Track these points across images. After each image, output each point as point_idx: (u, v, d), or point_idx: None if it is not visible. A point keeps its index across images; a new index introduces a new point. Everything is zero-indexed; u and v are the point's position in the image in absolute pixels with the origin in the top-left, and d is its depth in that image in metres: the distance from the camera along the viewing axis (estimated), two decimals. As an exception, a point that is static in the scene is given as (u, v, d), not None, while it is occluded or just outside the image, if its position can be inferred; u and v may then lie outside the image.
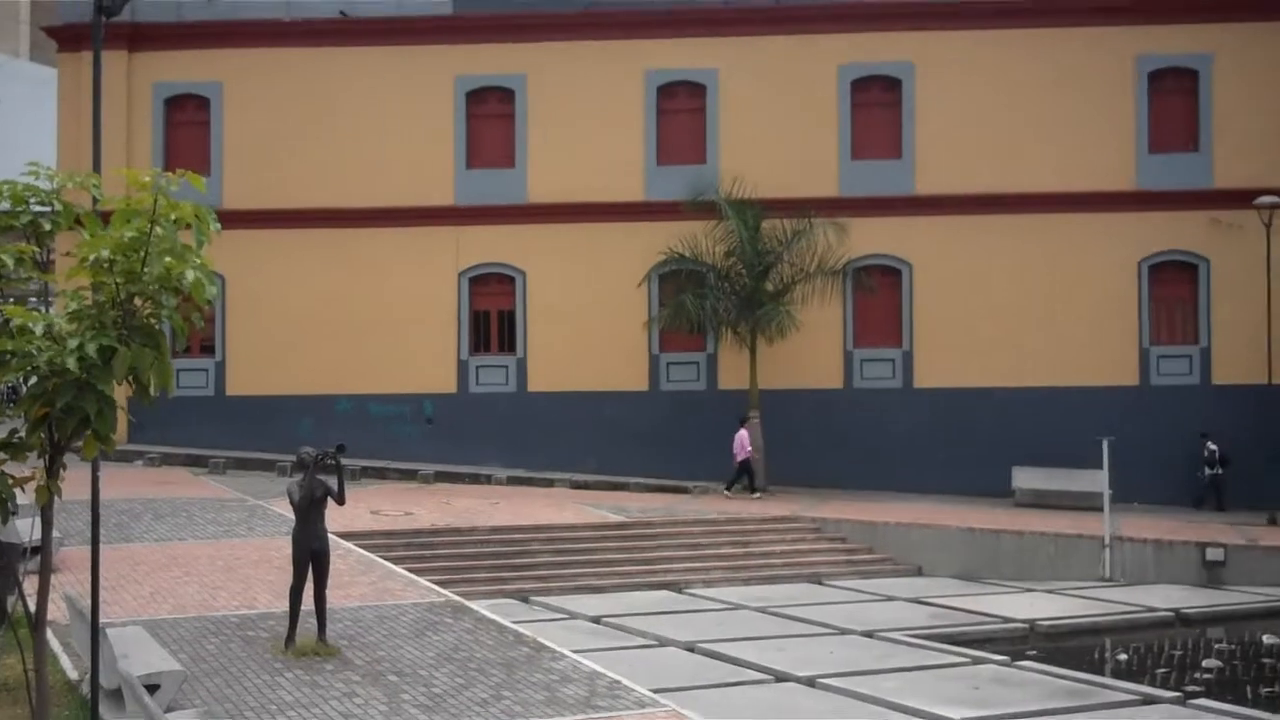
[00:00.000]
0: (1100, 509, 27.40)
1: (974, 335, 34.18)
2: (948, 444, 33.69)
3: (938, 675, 17.45)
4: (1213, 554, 26.15)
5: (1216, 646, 20.40)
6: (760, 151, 34.07)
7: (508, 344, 34.88)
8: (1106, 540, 26.59)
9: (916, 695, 16.03)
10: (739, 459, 31.81)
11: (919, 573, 26.86)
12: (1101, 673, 18.53)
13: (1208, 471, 32.67)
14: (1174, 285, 34.61)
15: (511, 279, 34.81)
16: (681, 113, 34.96)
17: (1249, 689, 17.35)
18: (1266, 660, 19.34)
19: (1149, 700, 16.10)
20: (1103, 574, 26.40)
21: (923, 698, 15.89)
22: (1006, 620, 21.96)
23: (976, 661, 18.39)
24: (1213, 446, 32.62)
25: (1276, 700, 16.83)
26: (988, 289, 34.26)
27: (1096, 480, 28.32)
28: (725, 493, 31.65)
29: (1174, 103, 34.52)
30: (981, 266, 34.27)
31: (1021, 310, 34.21)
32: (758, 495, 31.51)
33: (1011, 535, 27.29)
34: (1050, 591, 24.96)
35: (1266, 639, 20.62)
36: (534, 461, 33.78)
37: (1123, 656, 19.58)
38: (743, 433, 31.95)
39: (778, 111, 34.41)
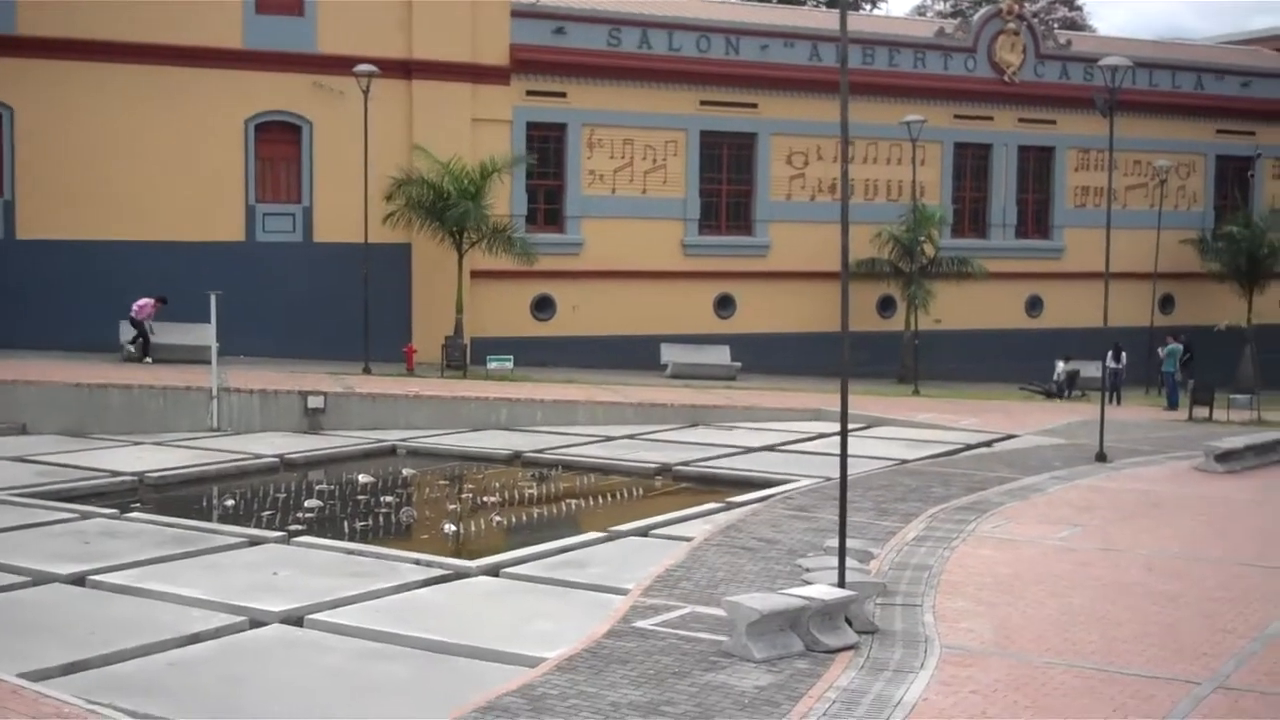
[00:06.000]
0: (209, 361, 28.09)
1: (85, 187, 33.30)
2: (57, 298, 32.79)
3: (45, 533, 17.28)
4: (314, 402, 27.81)
5: (318, 487, 21.80)
6: None
7: None
8: (214, 392, 27.36)
9: (24, 554, 15.80)
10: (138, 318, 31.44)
11: (24, 431, 26.08)
12: (209, 519, 19.26)
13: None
14: (279, 145, 35.83)
15: None
16: None
17: (346, 524, 18.90)
18: (361, 497, 21.12)
19: (255, 541, 17.04)
20: (211, 424, 27.18)
21: (31, 556, 15.70)
22: (115, 474, 22.00)
23: (85, 516, 18.40)
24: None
25: (368, 532, 18.56)
26: (101, 140, 33.46)
27: (205, 334, 28.87)
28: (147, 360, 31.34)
29: (279, -35, 35.45)
30: (94, 116, 33.37)
31: (135, 163, 33.78)
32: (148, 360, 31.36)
33: (120, 389, 27.27)
34: (160, 444, 25.26)
35: (361, 478, 22.46)
36: None
37: (230, 502, 20.41)
38: (146, 300, 31.65)
39: None
